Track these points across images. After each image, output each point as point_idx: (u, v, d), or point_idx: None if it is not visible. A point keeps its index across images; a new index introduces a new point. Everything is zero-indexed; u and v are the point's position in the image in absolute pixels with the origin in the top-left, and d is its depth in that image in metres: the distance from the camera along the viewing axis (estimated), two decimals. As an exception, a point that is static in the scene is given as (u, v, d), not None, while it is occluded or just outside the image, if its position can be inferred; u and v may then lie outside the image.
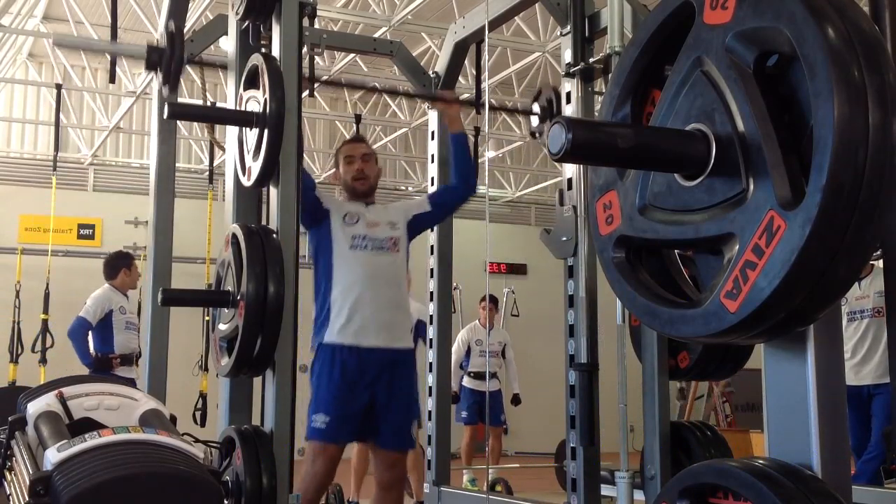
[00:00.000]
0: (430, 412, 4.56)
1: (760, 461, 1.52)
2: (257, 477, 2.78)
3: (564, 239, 3.64)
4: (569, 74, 3.71)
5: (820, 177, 1.35)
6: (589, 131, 1.56)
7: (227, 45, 3.51)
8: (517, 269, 13.00)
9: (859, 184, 1.35)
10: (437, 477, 4.54)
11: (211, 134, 5.36)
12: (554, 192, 6.24)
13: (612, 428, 3.35)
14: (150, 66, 3.94)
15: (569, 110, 3.68)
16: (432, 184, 4.70)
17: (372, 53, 5.74)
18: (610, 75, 3.43)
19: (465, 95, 9.13)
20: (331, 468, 3.52)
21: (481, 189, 4.18)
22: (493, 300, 8.76)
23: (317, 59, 5.41)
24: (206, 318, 7.08)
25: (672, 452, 3.36)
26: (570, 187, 3.67)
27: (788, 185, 1.41)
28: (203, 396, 7.55)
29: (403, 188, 12.94)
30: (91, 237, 11.35)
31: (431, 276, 4.65)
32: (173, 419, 2.61)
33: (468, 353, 8.32)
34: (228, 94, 3.41)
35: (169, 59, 3.82)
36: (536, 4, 4.35)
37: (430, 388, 4.59)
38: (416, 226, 3.87)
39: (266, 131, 2.96)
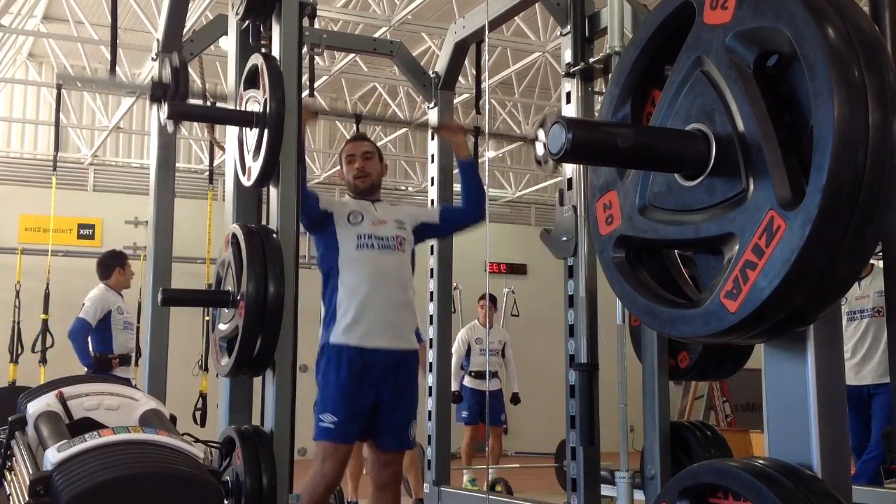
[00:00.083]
0: (430, 412, 4.56)
1: (760, 461, 1.52)
2: (257, 477, 2.79)
3: (564, 239, 3.64)
4: (569, 74, 3.71)
5: (820, 177, 1.35)
6: (589, 131, 1.56)
7: (227, 45, 3.51)
8: (517, 269, 12.99)
9: (859, 184, 1.35)
10: (437, 477, 4.54)
11: (211, 134, 5.37)
12: (554, 192, 6.23)
13: (612, 428, 3.35)
14: (154, 100, 3.96)
15: (569, 110, 3.68)
16: (432, 184, 4.71)
17: (372, 53, 5.74)
18: (610, 75, 3.43)
19: (465, 96, 9.16)
20: (340, 469, 3.52)
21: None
22: (492, 299, 8.76)
23: (317, 59, 5.42)
24: (206, 318, 7.07)
25: (672, 452, 3.36)
26: (570, 187, 3.67)
27: (788, 185, 1.41)
28: (203, 396, 7.54)
29: (403, 188, 12.94)
30: (91, 237, 11.34)
31: (431, 276, 4.65)
32: (173, 419, 2.61)
33: (468, 352, 8.33)
34: (228, 94, 3.41)
35: (173, 94, 3.84)
36: (536, 4, 4.35)
37: (430, 388, 4.59)
38: (421, 233, 3.85)
39: (266, 131, 2.96)
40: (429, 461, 4.59)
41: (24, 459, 2.34)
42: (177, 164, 4.71)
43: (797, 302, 1.42)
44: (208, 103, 4.57)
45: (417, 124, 4.69)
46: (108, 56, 4.63)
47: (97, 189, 11.73)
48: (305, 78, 4.38)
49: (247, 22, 3.28)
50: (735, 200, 1.49)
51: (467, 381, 8.24)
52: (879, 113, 1.35)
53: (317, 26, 5.22)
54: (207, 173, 9.37)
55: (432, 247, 4.59)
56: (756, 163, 1.46)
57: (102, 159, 11.76)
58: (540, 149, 4.02)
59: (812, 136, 1.37)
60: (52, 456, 2.10)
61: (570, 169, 3.67)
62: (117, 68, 4.89)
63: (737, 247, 1.47)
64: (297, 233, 3.08)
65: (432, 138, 4.72)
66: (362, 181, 3.76)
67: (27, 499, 2.04)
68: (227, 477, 2.86)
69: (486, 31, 4.19)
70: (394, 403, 3.55)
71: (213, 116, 4.11)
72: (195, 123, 9.97)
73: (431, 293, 4.66)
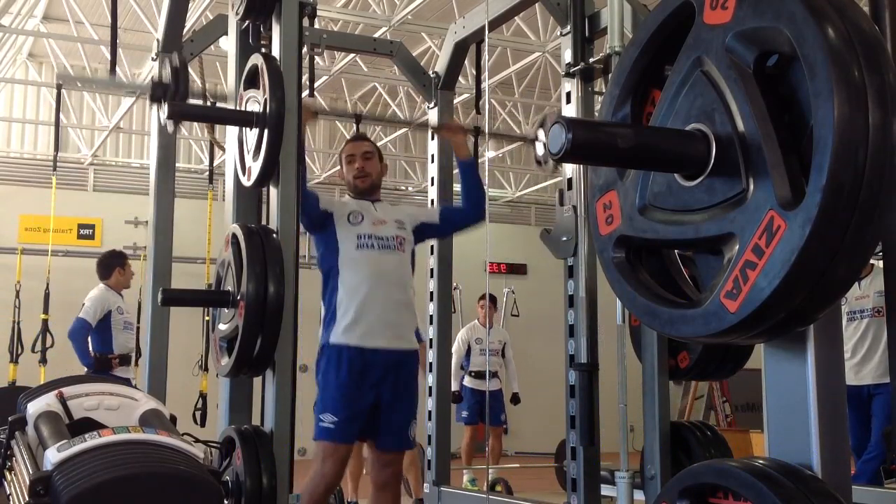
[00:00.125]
0: (430, 412, 4.56)
1: (760, 461, 1.52)
2: (257, 477, 2.79)
3: (564, 239, 3.64)
4: (569, 74, 3.71)
5: (820, 177, 1.35)
6: (589, 131, 1.56)
7: (227, 45, 3.51)
8: (517, 269, 12.99)
9: (859, 184, 1.35)
10: (437, 477, 4.54)
11: (211, 134, 5.37)
12: (554, 192, 6.23)
13: (612, 428, 3.35)
14: (155, 101, 3.96)
15: (569, 110, 3.68)
16: (432, 184, 4.71)
17: (372, 53, 5.74)
18: (610, 75, 3.43)
19: (465, 96, 9.16)
20: (340, 469, 3.51)
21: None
22: (492, 299, 8.76)
23: (317, 59, 5.42)
24: (206, 318, 7.07)
25: (672, 452, 3.36)
26: (570, 187, 3.67)
27: (788, 185, 1.41)
28: (203, 396, 7.53)
29: (403, 188, 12.94)
30: (91, 237, 11.34)
31: (431, 276, 4.66)
32: (173, 419, 2.61)
33: (468, 352, 8.33)
34: (228, 94, 3.41)
35: (173, 94, 3.84)
36: (536, 4, 4.35)
37: (430, 388, 4.59)
38: (421, 233, 3.84)
39: (266, 131, 2.96)
40: (429, 461, 4.59)
41: (24, 459, 2.34)
42: (177, 164, 4.71)
43: (797, 302, 1.42)
44: (208, 103, 4.57)
45: (417, 124, 4.68)
46: (108, 56, 4.63)
47: (97, 189, 11.73)
48: (305, 78, 4.38)
49: (247, 22, 3.28)
50: (735, 200, 1.49)
51: (467, 381, 8.24)
52: (879, 113, 1.35)
53: (317, 26, 5.22)
54: (207, 173, 9.37)
55: (432, 247, 4.59)
56: (756, 163, 1.46)
57: (102, 159, 11.76)
58: (540, 149, 4.02)
59: (812, 136, 1.37)
60: (52, 456, 2.10)
61: (570, 169, 3.67)
62: (117, 68, 4.90)
63: (737, 247, 1.47)
64: (297, 233, 3.08)
65: (432, 138, 4.72)
66: (362, 181, 3.75)
67: (27, 499, 2.04)
68: (227, 477, 2.86)
69: (486, 31, 4.19)
70: (394, 403, 3.55)
71: (213, 116, 4.11)
72: (195, 123, 9.97)
73: (431, 293, 4.66)
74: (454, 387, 7.62)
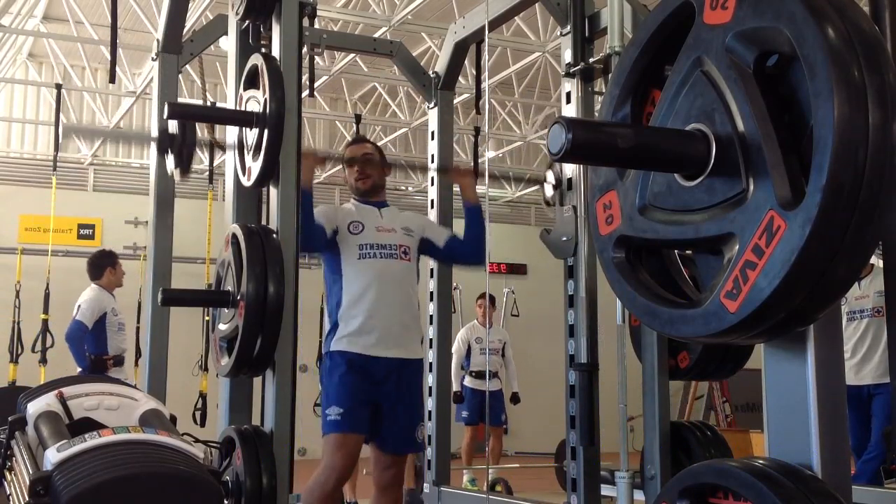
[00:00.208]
0: (429, 412, 4.56)
1: (760, 461, 1.52)
2: (257, 477, 2.79)
3: (564, 239, 3.64)
4: (569, 74, 3.71)
5: (820, 177, 1.35)
6: (589, 131, 1.56)
7: (227, 45, 3.51)
8: (517, 269, 12.99)
9: (859, 184, 1.35)
10: (437, 477, 4.54)
11: (211, 134, 5.37)
12: (554, 192, 6.22)
13: (612, 428, 3.36)
14: (162, 150, 3.98)
15: (569, 110, 3.69)
16: (432, 184, 4.71)
17: (372, 53, 5.74)
18: (610, 75, 3.43)
19: (465, 96, 9.16)
20: (349, 462, 3.45)
21: (481, 189, 4.14)
22: (491, 298, 8.76)
23: (317, 59, 5.42)
24: (206, 318, 7.07)
25: (672, 452, 3.36)
26: (570, 187, 3.67)
27: (788, 185, 1.41)
28: (203, 396, 7.54)
29: (403, 188, 12.94)
30: (91, 237, 11.34)
31: (431, 276, 4.66)
32: (173, 419, 2.61)
33: (468, 352, 8.33)
34: (228, 94, 3.41)
35: (180, 145, 3.86)
36: (536, 4, 4.35)
37: (430, 388, 4.59)
38: (423, 247, 3.77)
39: (266, 131, 2.96)
40: (429, 461, 4.59)
41: (24, 459, 2.34)
42: (177, 164, 4.70)
43: (797, 302, 1.42)
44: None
45: (439, 169, 4.57)
46: (108, 56, 4.63)
47: (97, 189, 11.73)
48: (305, 78, 4.39)
49: (247, 22, 3.28)
50: (735, 200, 1.49)
51: (468, 381, 8.25)
52: (879, 113, 1.35)
53: (317, 26, 5.22)
54: (207, 173, 9.37)
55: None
56: (756, 163, 1.46)
57: (102, 159, 11.76)
58: (549, 190, 3.97)
59: (812, 136, 1.37)
60: (52, 456, 2.10)
61: (569, 169, 3.68)
62: (117, 68, 4.89)
63: (737, 247, 1.47)
64: (297, 233, 3.07)
65: (432, 184, 4.70)
66: (363, 183, 3.73)
67: (27, 499, 2.04)
68: (227, 477, 2.86)
69: (486, 31, 4.19)
70: (396, 406, 3.54)
71: (213, 116, 4.11)
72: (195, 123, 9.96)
73: (431, 293, 4.66)
74: (455, 387, 7.63)
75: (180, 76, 4.65)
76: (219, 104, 5.62)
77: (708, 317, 1.51)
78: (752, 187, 1.46)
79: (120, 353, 6.51)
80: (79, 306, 6.39)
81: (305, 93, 4.20)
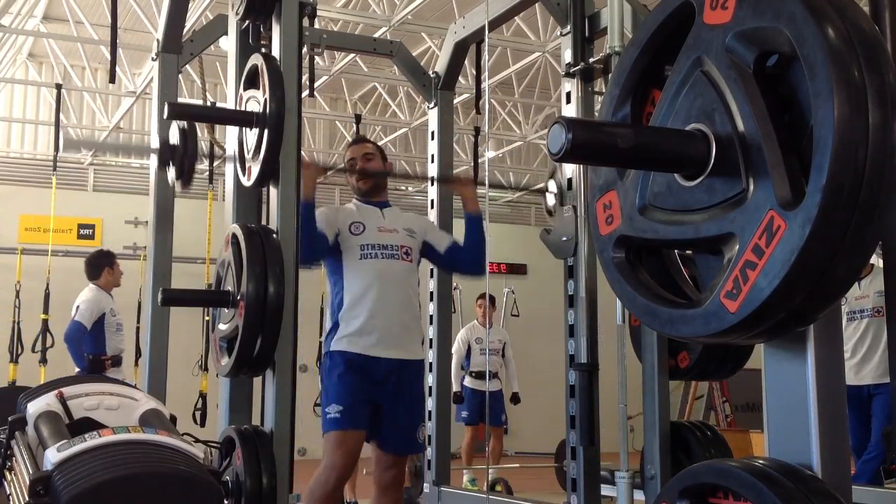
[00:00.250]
0: (429, 412, 4.56)
1: (760, 461, 1.52)
2: (257, 477, 2.79)
3: (564, 239, 3.64)
4: (569, 74, 3.71)
5: (820, 177, 1.35)
6: (589, 131, 1.56)
7: (227, 45, 3.51)
8: (517, 269, 12.99)
9: (859, 184, 1.35)
10: (437, 477, 4.54)
11: (211, 134, 5.37)
12: (554, 192, 6.22)
13: (612, 428, 3.36)
14: (163, 162, 3.99)
15: (569, 110, 3.69)
16: (432, 184, 4.71)
17: (372, 53, 5.74)
18: (610, 75, 3.43)
19: (465, 96, 9.17)
20: (350, 461, 3.44)
21: (481, 189, 4.14)
22: (491, 298, 8.76)
23: (317, 59, 5.42)
24: (206, 318, 7.07)
25: (672, 452, 3.36)
26: (570, 187, 3.67)
27: (788, 185, 1.41)
28: (203, 396, 7.54)
29: (404, 188, 12.94)
30: (91, 237, 11.34)
31: (431, 277, 4.66)
32: (173, 419, 2.61)
33: (468, 352, 8.33)
34: (228, 94, 3.41)
35: (182, 156, 3.86)
36: (536, 4, 4.35)
37: (430, 388, 4.59)
38: (425, 251, 3.75)
39: (266, 131, 2.96)
40: (429, 461, 4.59)
41: (24, 459, 2.34)
42: (177, 164, 4.70)
43: (797, 302, 1.42)
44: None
45: (440, 179, 4.55)
46: (108, 56, 4.63)
47: (97, 189, 11.73)
48: (305, 78, 4.39)
49: (247, 22, 3.28)
50: (735, 200, 1.49)
51: (468, 382, 8.25)
52: (879, 113, 1.35)
53: (317, 26, 5.22)
54: (207, 173, 9.37)
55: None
56: (756, 163, 1.46)
57: (102, 159, 11.76)
58: (551, 200, 3.96)
59: (812, 136, 1.37)
60: (52, 456, 2.10)
61: (570, 169, 3.68)
62: (117, 68, 4.89)
63: (737, 247, 1.47)
64: (297, 233, 3.08)
65: (432, 184, 4.70)
66: (364, 182, 3.73)
67: (27, 499, 2.04)
68: (227, 477, 2.86)
69: (486, 31, 4.19)
70: (396, 406, 3.53)
71: (213, 116, 4.12)
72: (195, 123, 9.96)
73: (431, 293, 4.66)
74: (455, 387, 7.63)
75: (180, 76, 4.66)
76: (219, 104, 5.63)
77: (708, 317, 1.51)
78: (752, 187, 1.46)
79: (118, 353, 6.51)
80: (77, 307, 6.38)
81: (305, 93, 4.20)
